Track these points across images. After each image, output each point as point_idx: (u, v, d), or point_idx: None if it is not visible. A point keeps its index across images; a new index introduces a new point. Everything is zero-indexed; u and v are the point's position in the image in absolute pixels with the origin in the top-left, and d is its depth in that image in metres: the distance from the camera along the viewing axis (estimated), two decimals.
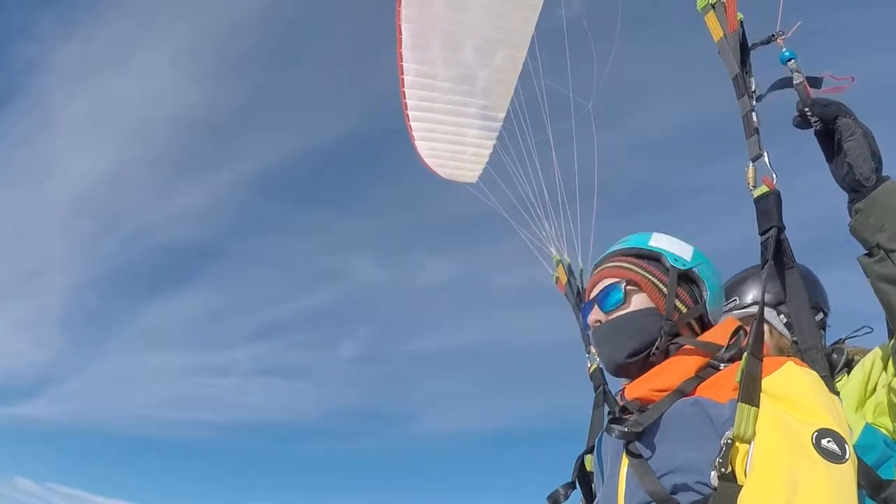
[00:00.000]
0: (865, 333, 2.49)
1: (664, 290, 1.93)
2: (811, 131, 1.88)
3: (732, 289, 2.63)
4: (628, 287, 1.94)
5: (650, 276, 1.95)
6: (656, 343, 1.86)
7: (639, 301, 1.93)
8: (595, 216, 2.75)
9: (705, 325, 1.96)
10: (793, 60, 1.92)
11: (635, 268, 1.97)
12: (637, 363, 1.88)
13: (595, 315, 1.97)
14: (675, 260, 1.97)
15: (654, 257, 1.99)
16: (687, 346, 1.84)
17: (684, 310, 1.93)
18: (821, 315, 2.49)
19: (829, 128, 1.84)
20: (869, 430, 2.09)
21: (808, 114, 1.85)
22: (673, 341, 1.88)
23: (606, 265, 2.04)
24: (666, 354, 1.87)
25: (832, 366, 2.33)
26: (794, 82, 1.89)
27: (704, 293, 1.96)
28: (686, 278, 1.97)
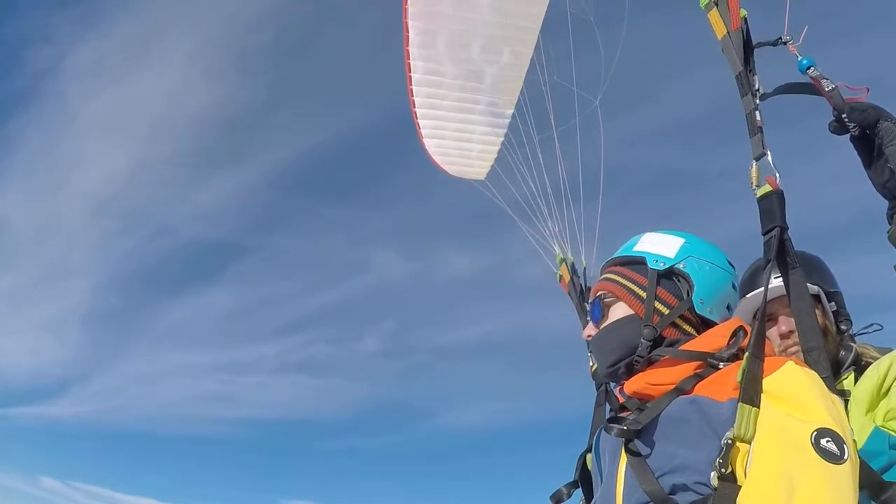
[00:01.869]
0: (875, 331, 2.45)
1: (642, 294, 1.93)
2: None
3: (755, 275, 2.56)
4: (606, 300, 1.99)
5: (629, 284, 1.96)
6: (638, 350, 1.87)
7: (617, 311, 1.96)
8: (599, 214, 2.75)
9: (703, 319, 1.93)
10: (813, 68, 1.90)
11: (617, 277, 2.01)
12: (621, 372, 1.90)
13: (588, 329, 2.04)
14: (656, 261, 1.97)
15: (638, 262, 2.00)
16: (667, 359, 1.83)
17: (666, 311, 1.91)
18: (833, 305, 2.42)
19: (866, 132, 1.80)
20: (878, 434, 2.05)
21: (846, 119, 1.81)
22: (655, 350, 1.87)
23: (599, 278, 2.11)
24: (650, 363, 1.87)
25: (839, 363, 2.30)
26: (827, 89, 1.85)
27: (691, 288, 1.93)
28: (669, 276, 1.95)
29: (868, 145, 1.81)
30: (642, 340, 1.87)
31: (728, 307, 1.99)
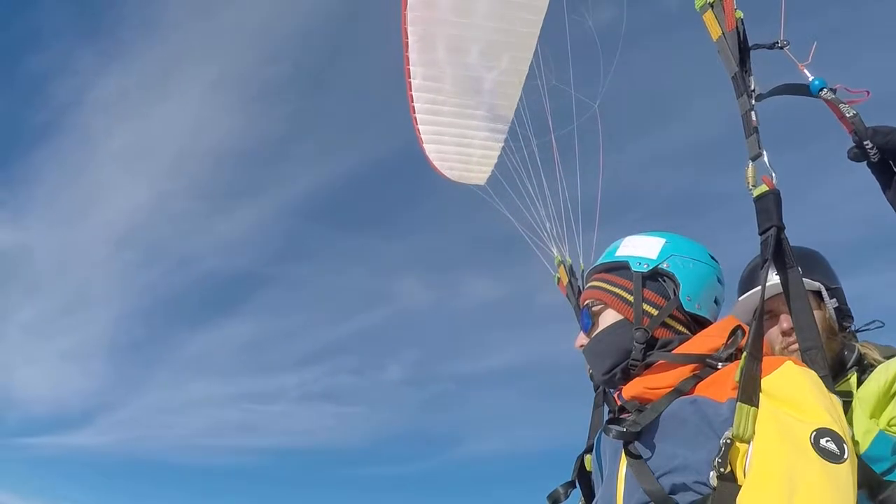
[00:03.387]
0: (877, 328, 2.43)
1: (630, 298, 1.93)
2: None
3: (754, 273, 2.55)
4: (594, 308, 1.99)
5: (615, 289, 1.97)
6: (632, 354, 1.87)
7: (607, 318, 1.96)
8: (598, 217, 2.75)
9: (693, 317, 1.93)
10: (826, 89, 1.85)
11: (603, 284, 2.01)
12: (618, 378, 1.90)
13: (580, 339, 2.03)
14: (639, 263, 1.97)
15: (622, 266, 2.00)
16: (661, 363, 1.84)
17: (655, 312, 1.91)
18: (835, 301, 2.39)
19: (884, 157, 1.77)
20: (882, 438, 2.02)
21: (868, 146, 1.77)
22: (650, 353, 1.87)
23: (586, 288, 2.10)
24: (646, 366, 1.86)
25: (842, 363, 2.27)
26: (847, 115, 1.80)
27: (677, 287, 1.93)
28: (654, 277, 1.96)
29: (887, 168, 1.79)
30: (635, 344, 1.87)
31: (716, 301, 1.99)
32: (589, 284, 2.08)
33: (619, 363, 1.90)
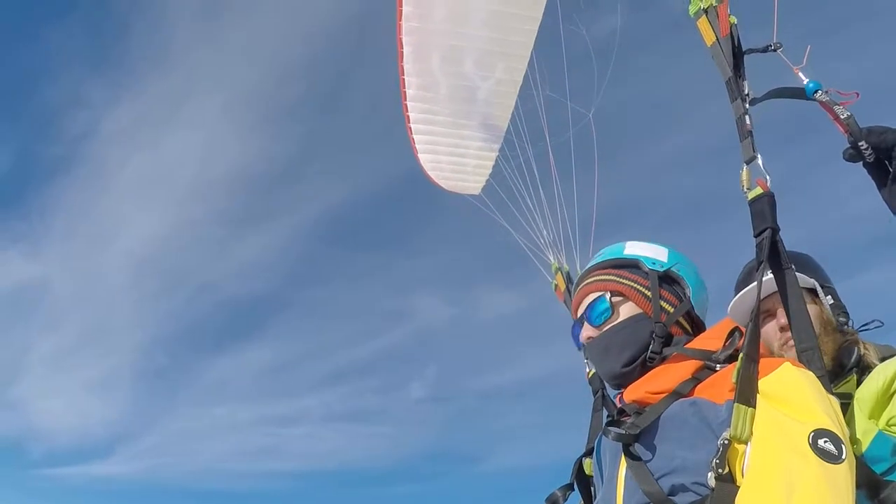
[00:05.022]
0: (876, 327, 2.42)
1: (648, 294, 1.94)
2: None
3: (750, 274, 2.56)
4: (614, 298, 1.97)
5: (633, 284, 1.97)
6: (650, 347, 1.88)
7: (626, 310, 1.95)
8: (594, 223, 2.76)
9: (694, 320, 1.99)
10: (820, 91, 1.89)
11: (617, 278, 2.00)
12: (635, 371, 1.89)
13: (587, 332, 1.99)
14: (653, 263, 2.00)
15: (632, 264, 2.02)
16: (677, 355, 1.85)
17: (671, 309, 1.94)
18: (830, 298, 2.39)
19: (879, 157, 1.80)
20: (881, 438, 2.02)
21: (863, 146, 1.80)
22: (666, 347, 1.88)
23: (587, 281, 2.07)
24: (663, 360, 1.87)
25: (842, 365, 2.27)
26: (842, 117, 1.83)
27: (687, 290, 1.99)
28: (667, 279, 1.99)
29: (882, 167, 1.81)
30: (655, 337, 1.88)
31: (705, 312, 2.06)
32: (597, 277, 2.05)
33: (638, 356, 1.89)
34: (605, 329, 1.95)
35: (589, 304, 2.02)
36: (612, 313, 1.95)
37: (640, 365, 1.89)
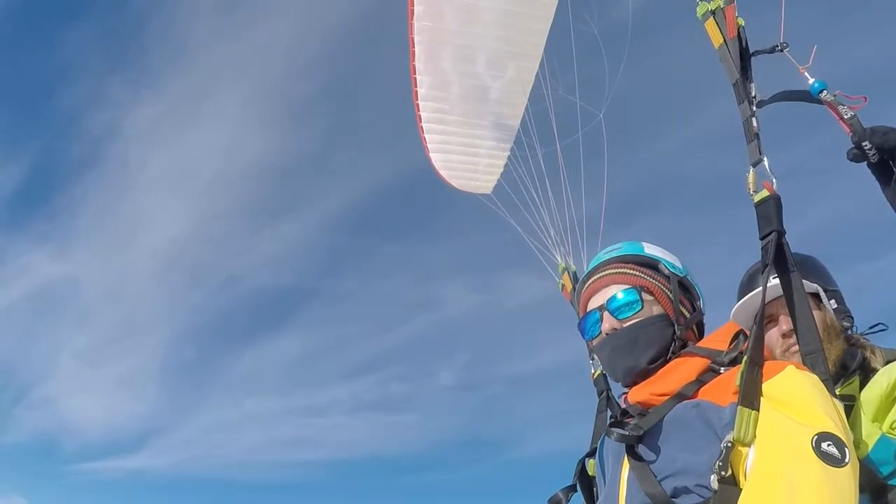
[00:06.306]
0: (880, 331, 2.41)
1: (671, 296, 1.93)
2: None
3: (753, 277, 2.54)
4: (645, 295, 1.93)
5: (659, 284, 1.95)
6: (671, 349, 1.87)
7: (654, 308, 1.93)
8: (602, 223, 2.76)
9: (701, 331, 2.01)
10: (826, 91, 1.89)
11: (643, 275, 1.96)
12: (656, 368, 1.88)
13: (610, 322, 1.92)
14: (672, 268, 1.99)
15: (652, 265, 1.99)
16: (684, 353, 1.86)
17: (688, 315, 1.95)
18: (834, 303, 2.38)
19: (883, 156, 1.80)
20: (884, 441, 2.01)
21: (867, 147, 1.80)
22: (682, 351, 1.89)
23: (608, 272, 2.00)
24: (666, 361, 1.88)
25: (845, 367, 2.26)
26: (846, 117, 1.84)
27: (698, 300, 2.01)
28: (682, 286, 1.99)
29: (885, 167, 1.81)
30: (676, 339, 1.88)
31: None
32: (621, 270, 1.99)
33: (661, 355, 1.87)
34: (629, 323, 1.90)
35: (613, 296, 1.95)
36: (642, 308, 1.91)
37: (662, 363, 1.87)
